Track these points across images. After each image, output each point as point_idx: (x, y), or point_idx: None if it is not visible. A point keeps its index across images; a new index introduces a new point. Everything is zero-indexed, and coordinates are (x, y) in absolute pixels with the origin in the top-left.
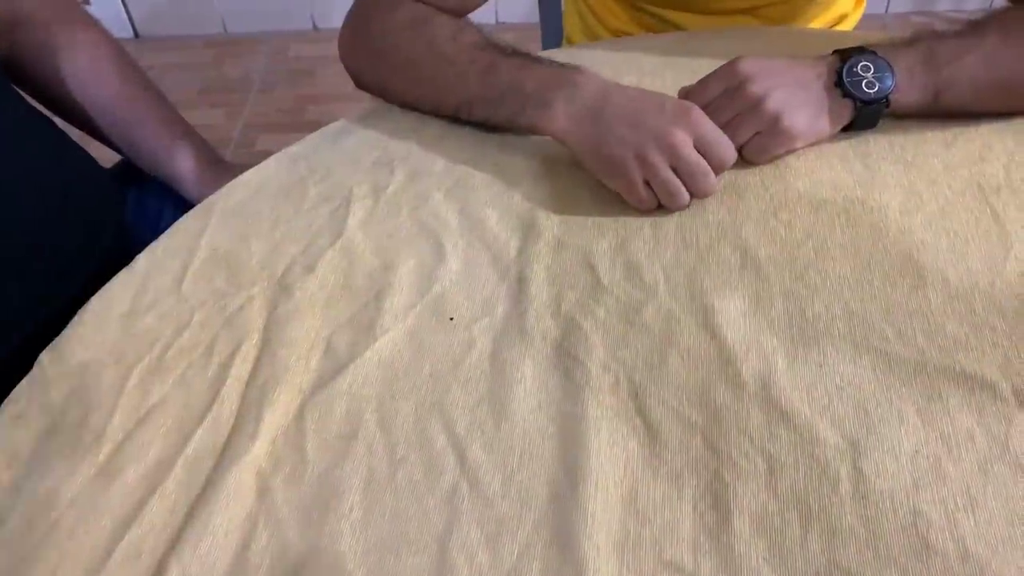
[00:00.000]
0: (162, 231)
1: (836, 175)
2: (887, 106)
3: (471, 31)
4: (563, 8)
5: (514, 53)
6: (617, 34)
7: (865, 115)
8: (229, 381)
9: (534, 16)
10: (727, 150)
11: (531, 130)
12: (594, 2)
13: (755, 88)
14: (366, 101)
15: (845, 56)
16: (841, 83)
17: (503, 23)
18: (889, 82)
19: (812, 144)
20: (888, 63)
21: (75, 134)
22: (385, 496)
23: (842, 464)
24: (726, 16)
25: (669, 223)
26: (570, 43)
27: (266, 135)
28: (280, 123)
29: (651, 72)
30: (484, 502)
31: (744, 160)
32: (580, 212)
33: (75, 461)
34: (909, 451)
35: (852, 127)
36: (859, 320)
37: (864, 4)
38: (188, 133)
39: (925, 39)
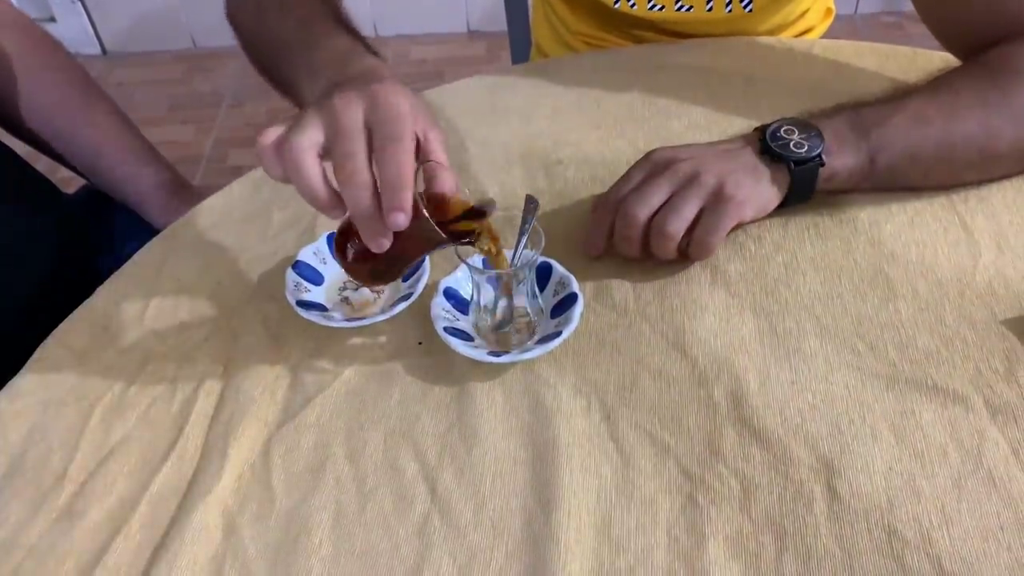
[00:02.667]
0: (127, 256)
1: None
2: (821, 164)
3: None
4: (531, 16)
5: (340, 20)
6: (586, 40)
7: (801, 178)
8: (193, 416)
9: (504, 24)
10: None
11: (299, 96)
12: (562, 11)
13: (686, 166)
14: None
15: (764, 126)
16: (768, 148)
17: (475, 31)
18: (817, 142)
19: (760, 219)
20: (811, 125)
21: (40, 156)
22: (355, 530)
23: (816, 484)
24: (694, 23)
25: None
26: (540, 50)
27: (238, 150)
28: (251, 138)
29: (617, 84)
30: (456, 532)
31: (691, 256)
32: (550, 231)
33: (36, 504)
34: (883, 469)
35: (789, 199)
36: (831, 335)
37: (832, 16)
38: (152, 159)
39: (848, 107)
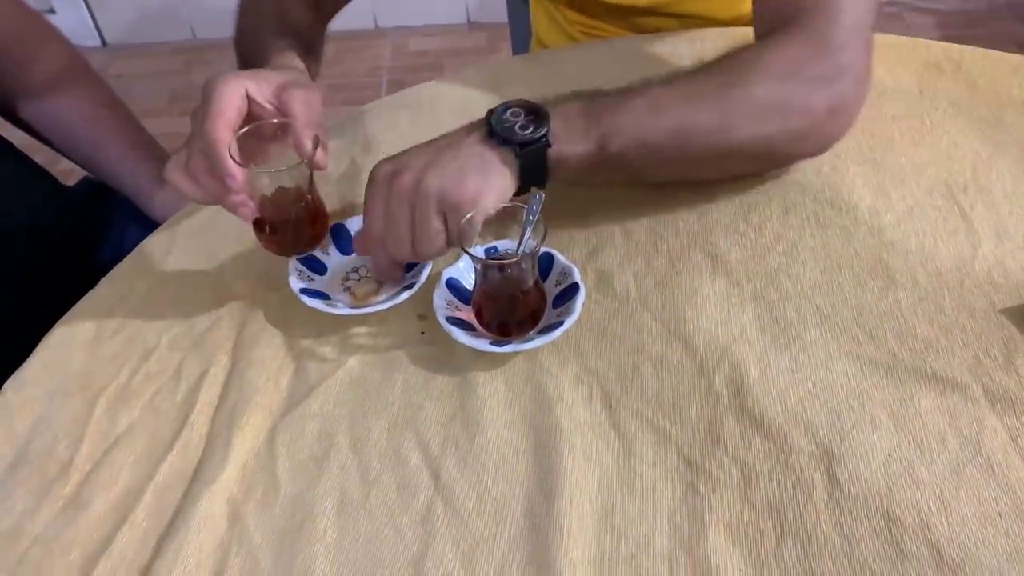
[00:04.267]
0: (128, 249)
1: (805, 177)
2: (548, 146)
3: (303, 19)
4: (531, 7)
5: (283, 50)
6: (584, 30)
7: (528, 162)
8: (198, 405)
9: (505, 16)
10: None
11: None
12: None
13: (407, 179)
14: (335, 107)
15: (492, 109)
16: (493, 132)
17: (475, 22)
18: (544, 125)
19: (502, 203)
20: (539, 109)
21: (40, 148)
22: (359, 517)
23: (816, 471)
24: (685, 19)
25: (640, 231)
26: (540, 41)
27: None
28: None
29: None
30: (459, 520)
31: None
32: (552, 222)
33: (41, 493)
34: (882, 456)
35: (524, 184)
36: (831, 324)
37: None
38: (152, 155)
39: (584, 94)
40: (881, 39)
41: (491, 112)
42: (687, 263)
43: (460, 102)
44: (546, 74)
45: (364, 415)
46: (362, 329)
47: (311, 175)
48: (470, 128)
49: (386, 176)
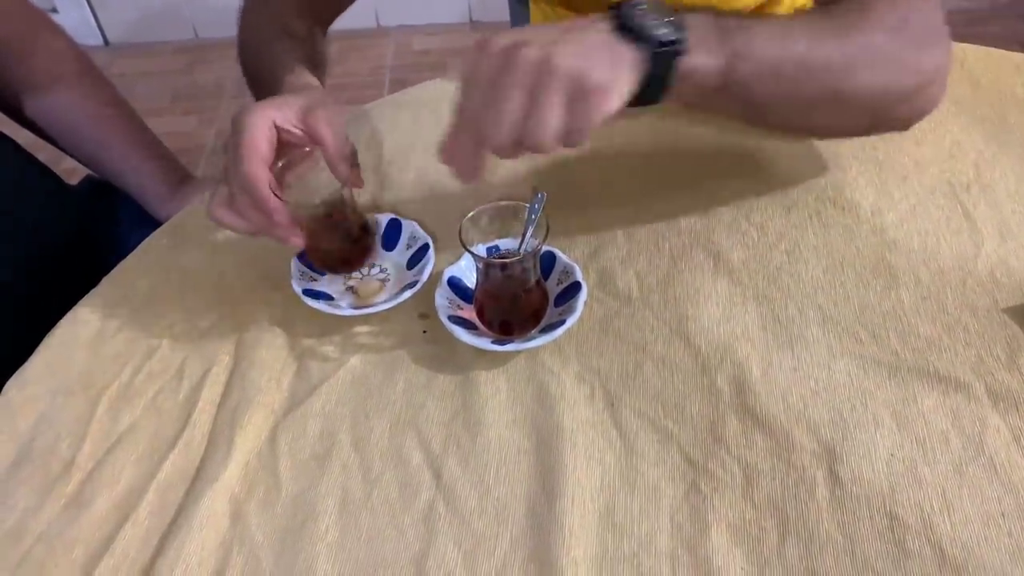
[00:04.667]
0: (131, 247)
1: (807, 176)
2: (678, 54)
3: (300, 28)
4: (529, 8)
5: (293, 66)
6: None
7: (657, 66)
8: (200, 404)
9: (507, 15)
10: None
11: None
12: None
13: (533, 52)
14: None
15: (619, 3)
16: (626, 25)
17: (477, 21)
18: (680, 30)
19: (618, 110)
20: (673, 11)
21: (44, 146)
22: (361, 516)
23: (818, 470)
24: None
25: (642, 230)
26: None
27: None
28: None
29: None
30: (461, 519)
31: (566, 144)
32: (554, 221)
33: (44, 491)
34: (884, 455)
35: (639, 96)
36: (833, 323)
37: None
38: (155, 154)
39: (711, 10)
40: None
41: (618, 4)
42: (689, 262)
43: None
44: None
45: (366, 414)
46: (364, 329)
47: (351, 193)
48: (599, 17)
49: (501, 47)
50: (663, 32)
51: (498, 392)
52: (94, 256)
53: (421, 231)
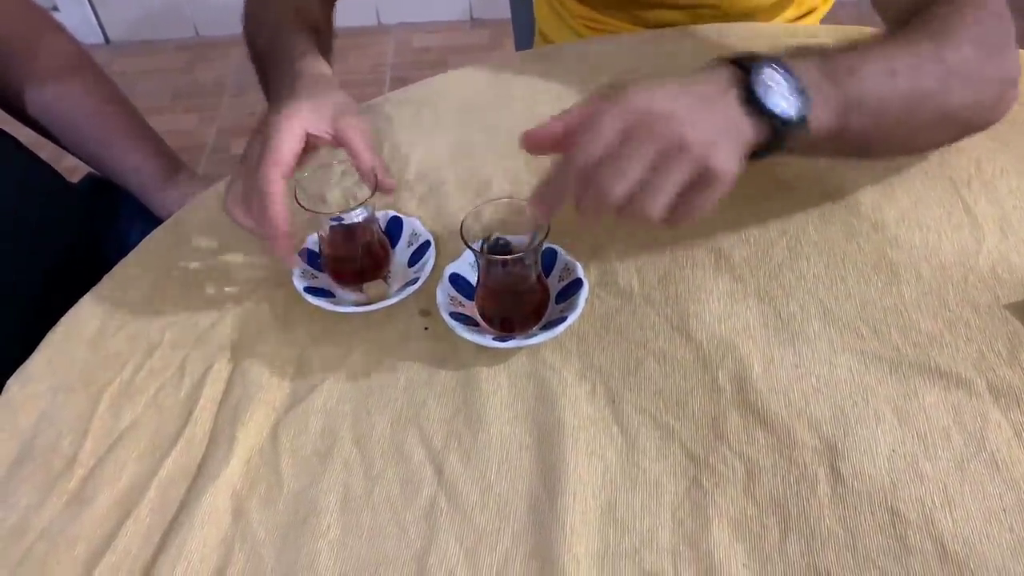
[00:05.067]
0: (132, 245)
1: (808, 172)
2: (806, 125)
3: (312, 10)
4: (535, 2)
5: (305, 49)
6: (588, 24)
7: (778, 139)
8: (202, 402)
9: (508, 12)
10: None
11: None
12: None
13: (668, 128)
14: None
15: (745, 66)
16: (754, 99)
17: (477, 19)
18: (805, 100)
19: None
20: (795, 75)
21: (45, 144)
22: (363, 513)
23: (820, 466)
24: (688, 10)
25: (643, 227)
26: (544, 36)
27: (241, 139)
28: (255, 127)
29: (621, 71)
30: (462, 515)
31: (667, 224)
32: (555, 218)
33: (46, 488)
34: (886, 451)
35: (753, 156)
36: (834, 319)
37: None
38: (156, 152)
39: (815, 52)
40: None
41: (750, 66)
42: (690, 259)
43: (464, 98)
44: (550, 69)
45: (367, 411)
46: (365, 325)
47: (373, 210)
48: (725, 82)
49: (640, 111)
50: (791, 110)
51: (499, 389)
52: (95, 253)
53: (422, 228)
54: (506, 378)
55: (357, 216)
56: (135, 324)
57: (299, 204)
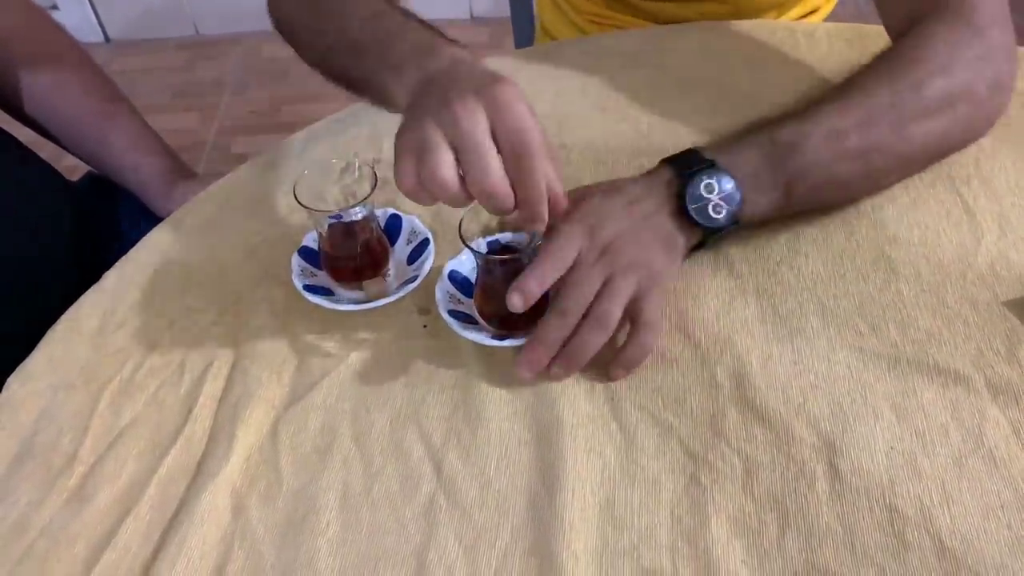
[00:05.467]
0: (132, 243)
1: None
2: (736, 224)
3: None
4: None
5: (408, 15)
6: (592, 20)
7: (711, 240)
8: (201, 399)
9: (508, 11)
10: (531, 139)
11: (381, 93)
12: None
13: (610, 248)
14: (340, 102)
15: (683, 174)
16: (686, 213)
17: (478, 18)
18: (736, 201)
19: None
20: (727, 174)
21: (44, 143)
22: (362, 511)
23: (818, 463)
24: (696, 3)
25: None
26: (546, 32)
27: (241, 137)
28: (255, 125)
29: (621, 67)
30: (461, 512)
31: (611, 376)
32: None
33: (46, 486)
34: (884, 448)
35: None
36: (833, 316)
37: None
38: (156, 149)
39: (762, 131)
40: (885, 32)
41: (680, 181)
42: (689, 256)
43: None
44: (552, 68)
45: (367, 408)
46: (364, 323)
47: (372, 208)
48: (659, 198)
49: (586, 230)
50: (719, 220)
51: (498, 386)
52: (95, 252)
53: (421, 226)
54: (505, 375)
55: (356, 214)
56: (135, 322)
57: (298, 202)
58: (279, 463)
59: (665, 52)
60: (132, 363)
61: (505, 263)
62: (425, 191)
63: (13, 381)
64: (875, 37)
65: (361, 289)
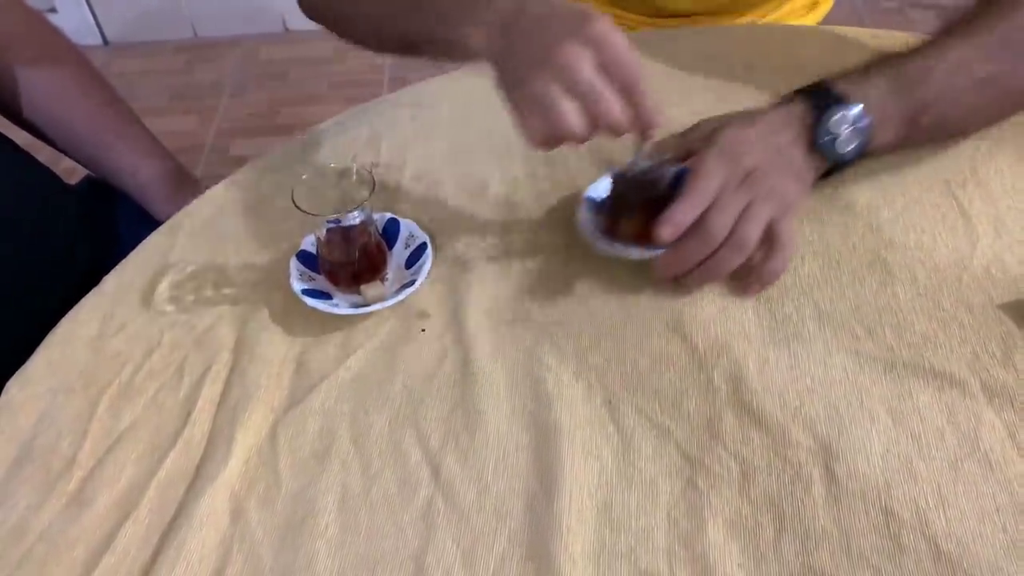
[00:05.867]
0: (130, 247)
1: None
2: (863, 156)
3: None
4: None
5: None
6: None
7: (838, 171)
8: (200, 402)
9: None
10: (631, 70)
11: (448, 45)
12: None
13: (753, 174)
14: (339, 104)
15: (817, 107)
16: (820, 147)
17: None
18: (866, 135)
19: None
20: (861, 111)
21: (43, 147)
22: (360, 513)
23: (815, 466)
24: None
25: None
26: None
27: (240, 140)
28: (253, 127)
29: None
30: (459, 515)
31: (747, 292)
32: (548, 220)
33: (45, 490)
34: (880, 451)
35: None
36: (829, 320)
37: None
38: (154, 152)
39: (891, 63)
40: (881, 35)
41: (818, 117)
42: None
43: (462, 100)
44: None
45: (365, 411)
46: (363, 327)
47: (370, 212)
48: (791, 126)
49: (728, 160)
50: (849, 153)
51: (496, 389)
52: (94, 255)
53: (419, 230)
54: (503, 378)
55: (354, 218)
56: (134, 325)
57: (296, 206)
58: (278, 466)
59: (661, 56)
60: (131, 367)
61: (642, 183)
62: (552, 141)
63: (12, 385)
64: (871, 40)
65: (359, 293)
